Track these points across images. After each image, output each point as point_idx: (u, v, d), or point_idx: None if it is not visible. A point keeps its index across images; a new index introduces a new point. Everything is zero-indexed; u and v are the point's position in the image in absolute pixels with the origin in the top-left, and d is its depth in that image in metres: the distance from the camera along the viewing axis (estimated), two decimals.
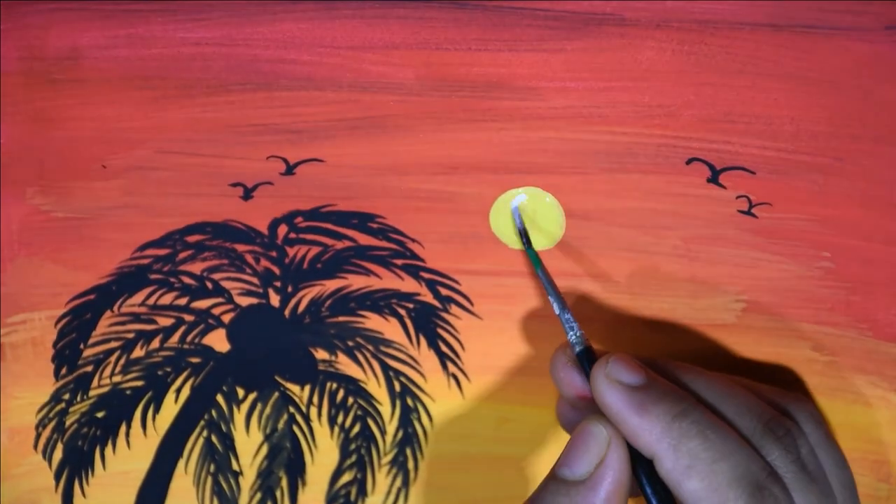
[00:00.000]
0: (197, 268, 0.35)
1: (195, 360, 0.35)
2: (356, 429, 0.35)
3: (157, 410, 0.35)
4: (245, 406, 0.35)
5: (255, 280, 0.35)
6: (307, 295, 0.35)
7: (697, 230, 0.33)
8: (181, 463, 0.35)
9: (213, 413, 0.35)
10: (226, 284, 0.35)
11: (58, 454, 0.35)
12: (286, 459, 0.35)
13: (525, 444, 0.35)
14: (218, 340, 0.35)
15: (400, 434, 0.35)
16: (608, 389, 0.26)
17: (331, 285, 0.34)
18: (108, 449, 0.35)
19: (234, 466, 0.35)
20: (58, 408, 0.35)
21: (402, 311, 0.34)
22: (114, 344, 0.35)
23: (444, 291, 0.34)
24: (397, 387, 0.35)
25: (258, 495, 0.35)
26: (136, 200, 0.34)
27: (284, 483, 0.35)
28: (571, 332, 0.29)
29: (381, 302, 0.34)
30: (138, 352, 0.35)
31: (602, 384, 0.26)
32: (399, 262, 0.34)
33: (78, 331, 0.35)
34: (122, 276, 0.35)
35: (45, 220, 0.34)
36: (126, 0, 0.33)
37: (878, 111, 0.32)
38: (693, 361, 0.33)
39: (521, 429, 0.35)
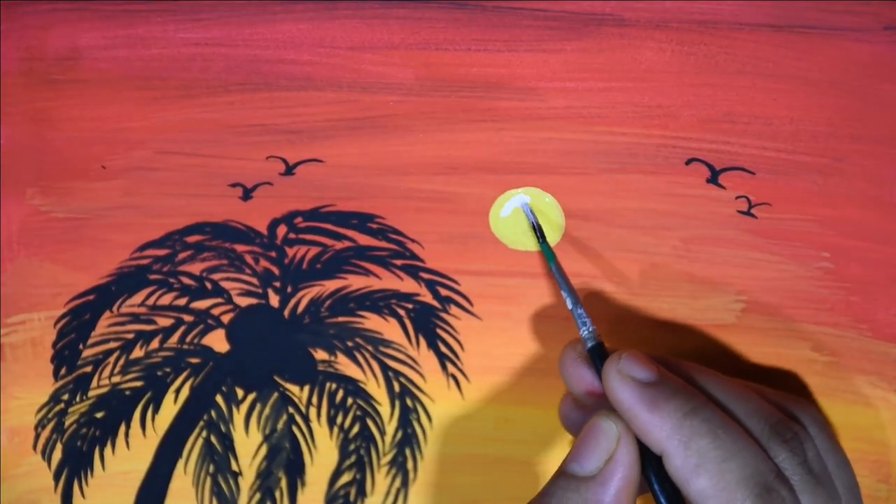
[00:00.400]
0: (196, 268, 0.35)
1: (194, 360, 0.35)
2: (355, 429, 0.35)
3: (156, 411, 0.35)
4: (244, 406, 0.35)
5: (254, 280, 0.35)
6: (306, 295, 0.35)
7: (697, 230, 0.33)
8: (180, 463, 0.35)
9: (213, 413, 0.35)
10: (225, 285, 0.35)
11: (57, 454, 0.35)
12: (285, 460, 0.35)
13: (525, 444, 0.35)
14: (217, 341, 0.35)
15: (399, 434, 0.35)
16: (620, 385, 0.26)
17: (330, 286, 0.34)
18: (108, 449, 0.35)
19: (234, 467, 0.35)
20: (57, 408, 0.35)
21: (402, 312, 0.34)
22: (113, 344, 0.35)
23: (443, 292, 0.34)
24: (397, 387, 0.35)
25: (257, 496, 0.35)
26: (135, 201, 0.34)
27: (284, 483, 0.35)
28: (584, 328, 0.29)
29: (381, 302, 0.34)
30: (137, 352, 0.35)
31: (614, 379, 0.26)
32: (398, 262, 0.34)
33: (77, 331, 0.35)
34: (122, 276, 0.35)
35: (44, 220, 0.34)
36: (126, 0, 0.33)
37: (877, 111, 0.32)
38: (692, 362, 0.33)
39: (520, 429, 0.34)
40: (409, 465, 0.35)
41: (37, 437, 0.35)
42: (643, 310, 0.33)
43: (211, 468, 0.35)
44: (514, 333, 0.34)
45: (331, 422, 0.35)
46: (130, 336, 0.35)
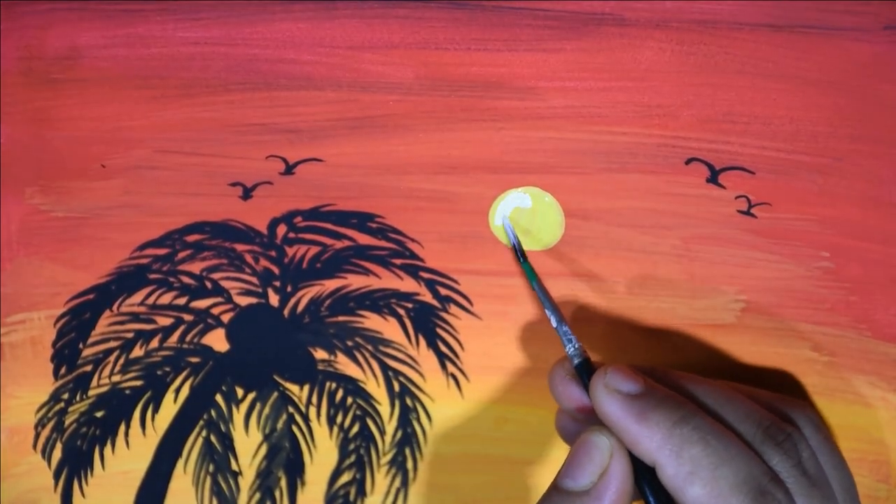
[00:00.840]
0: (196, 267, 0.35)
1: (194, 359, 0.35)
2: (355, 429, 0.35)
3: (156, 410, 0.35)
4: (244, 406, 0.35)
5: (254, 280, 0.35)
6: (306, 294, 0.35)
7: (696, 230, 0.33)
8: (180, 463, 0.35)
9: (213, 413, 0.35)
10: (225, 284, 0.35)
11: (57, 454, 0.35)
12: (285, 459, 0.35)
13: (524, 444, 0.35)
14: (217, 340, 0.35)
15: (399, 434, 0.35)
16: (607, 399, 0.26)
17: (330, 285, 0.34)
18: (108, 449, 0.35)
19: (234, 466, 0.35)
20: (57, 407, 0.35)
21: (402, 311, 0.34)
22: (113, 343, 0.35)
23: (443, 291, 0.34)
24: (396, 387, 0.35)
25: (257, 495, 0.35)
26: (135, 200, 0.34)
27: (283, 483, 0.35)
28: (570, 345, 0.29)
29: (381, 302, 0.34)
30: (137, 351, 0.35)
31: (601, 394, 0.26)
32: (398, 261, 0.34)
33: (77, 330, 0.35)
34: (122, 275, 0.35)
35: (44, 219, 0.34)
36: (125, 0, 0.33)
37: (877, 111, 0.32)
38: (692, 361, 0.33)
39: (520, 429, 0.34)
40: (409, 464, 0.35)
41: (37, 436, 0.35)
42: (642, 310, 0.33)
43: (211, 467, 0.35)
44: (514, 333, 0.34)
45: (331, 421, 0.35)
46: (130, 335, 0.35)
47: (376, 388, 0.35)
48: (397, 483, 0.35)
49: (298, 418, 0.35)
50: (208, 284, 0.35)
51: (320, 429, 0.35)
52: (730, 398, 0.27)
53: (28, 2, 0.33)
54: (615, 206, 0.33)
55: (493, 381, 0.34)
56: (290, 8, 0.33)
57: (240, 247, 0.34)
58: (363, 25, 0.33)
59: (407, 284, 0.34)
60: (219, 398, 0.35)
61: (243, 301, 0.35)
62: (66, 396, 0.35)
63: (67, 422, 0.35)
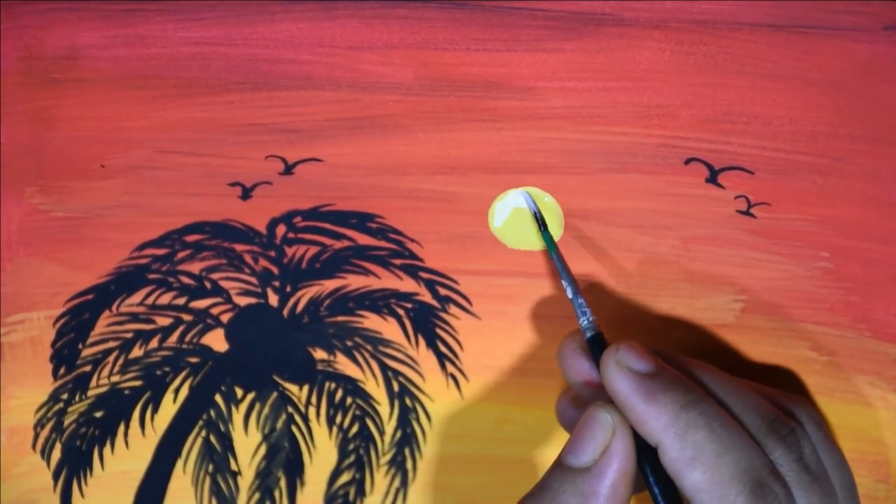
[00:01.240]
0: (195, 267, 0.35)
1: (194, 359, 0.35)
2: (355, 429, 0.35)
3: (155, 410, 0.35)
4: (243, 406, 0.35)
5: (253, 280, 0.35)
6: (306, 295, 0.34)
7: (696, 230, 0.33)
8: (180, 463, 0.35)
9: (212, 413, 0.35)
10: (224, 284, 0.35)
11: (56, 454, 0.35)
12: (285, 459, 0.35)
13: (524, 444, 0.35)
14: (216, 340, 0.35)
15: (398, 434, 0.35)
16: (618, 375, 0.26)
17: (329, 285, 0.34)
18: (107, 449, 0.35)
19: (233, 466, 0.35)
20: (56, 408, 0.35)
21: (401, 311, 0.34)
22: (112, 344, 0.35)
23: (442, 291, 0.34)
24: (396, 387, 0.35)
25: (256, 495, 0.35)
26: (134, 200, 0.34)
27: (283, 483, 0.35)
28: (584, 317, 0.29)
29: (380, 302, 0.34)
30: (137, 351, 0.35)
31: (612, 370, 0.26)
32: (398, 261, 0.34)
33: (76, 330, 0.35)
34: (121, 275, 0.35)
35: (43, 219, 0.34)
36: (125, 0, 0.33)
37: (876, 111, 0.32)
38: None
39: (519, 429, 0.34)
40: (409, 464, 0.35)
41: (36, 436, 0.35)
42: (642, 310, 0.33)
43: (210, 468, 0.35)
44: (514, 333, 0.34)
45: (330, 421, 0.35)
46: (129, 335, 0.35)
47: (376, 388, 0.35)
48: (397, 483, 0.35)
49: (298, 418, 0.35)
50: (207, 284, 0.35)
51: (320, 429, 0.35)
52: (737, 389, 0.27)
53: (28, 2, 0.33)
54: (615, 206, 0.33)
55: (493, 381, 0.34)
56: (289, 8, 0.33)
57: (239, 247, 0.34)
58: (363, 26, 0.33)
59: (406, 284, 0.34)
60: (218, 398, 0.35)
61: (242, 301, 0.35)
62: (65, 397, 0.35)
63: (67, 422, 0.35)
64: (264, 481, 0.35)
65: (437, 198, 0.34)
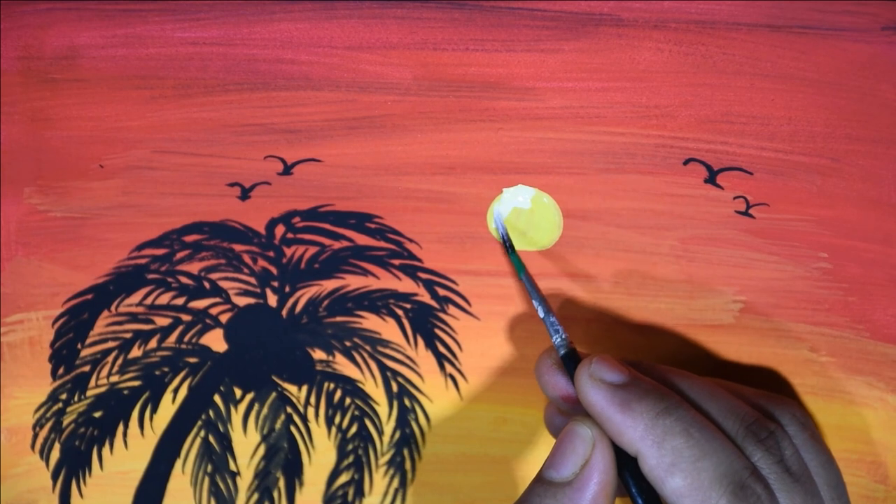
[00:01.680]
0: (194, 268, 0.35)
1: (192, 360, 0.35)
2: (353, 429, 0.35)
3: (154, 410, 0.35)
4: (242, 406, 0.35)
5: (252, 280, 0.35)
6: (304, 295, 0.35)
7: (695, 231, 0.33)
8: (178, 463, 0.35)
9: (211, 413, 0.35)
10: (223, 284, 0.35)
11: (55, 454, 0.35)
12: (283, 460, 0.35)
13: (522, 444, 0.35)
14: (215, 340, 0.35)
15: (397, 434, 0.35)
16: (592, 388, 0.26)
17: (328, 285, 0.34)
18: (106, 449, 0.35)
19: (232, 467, 0.35)
20: (55, 408, 0.35)
21: (400, 312, 0.34)
22: (111, 344, 0.35)
23: (441, 292, 0.34)
24: (395, 387, 0.35)
25: (255, 496, 0.35)
26: (133, 200, 0.34)
27: (282, 483, 0.35)
28: (556, 336, 0.29)
29: (379, 302, 0.34)
30: (136, 352, 0.35)
31: (586, 383, 0.26)
32: (396, 262, 0.34)
33: (75, 331, 0.35)
34: (120, 275, 0.35)
35: (42, 219, 0.34)
36: (124, 0, 0.33)
37: (875, 112, 0.32)
38: (690, 362, 0.33)
39: (518, 429, 0.34)
40: (408, 465, 0.35)
41: (35, 436, 0.35)
42: (640, 310, 0.33)
43: (209, 468, 0.35)
44: (513, 333, 0.34)
45: (329, 422, 0.35)
46: (128, 335, 0.35)
47: (374, 388, 0.35)
48: (395, 483, 0.35)
49: (297, 419, 0.35)
50: (206, 285, 0.35)
51: (319, 429, 0.35)
52: (713, 394, 0.27)
53: (28, 2, 0.33)
54: (613, 206, 0.33)
55: (492, 382, 0.34)
56: (288, 8, 0.33)
57: (238, 247, 0.34)
58: (361, 26, 0.33)
59: (405, 285, 0.34)
60: (217, 398, 0.35)
61: (241, 301, 0.35)
62: (64, 397, 0.35)
63: (66, 422, 0.35)
64: (263, 482, 0.35)
65: (436, 198, 0.34)
